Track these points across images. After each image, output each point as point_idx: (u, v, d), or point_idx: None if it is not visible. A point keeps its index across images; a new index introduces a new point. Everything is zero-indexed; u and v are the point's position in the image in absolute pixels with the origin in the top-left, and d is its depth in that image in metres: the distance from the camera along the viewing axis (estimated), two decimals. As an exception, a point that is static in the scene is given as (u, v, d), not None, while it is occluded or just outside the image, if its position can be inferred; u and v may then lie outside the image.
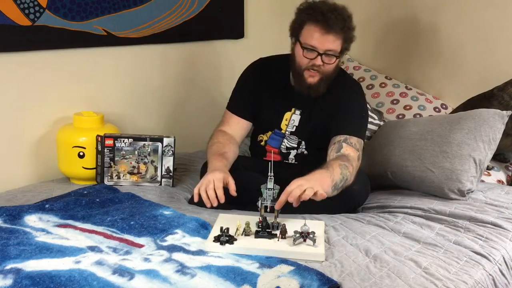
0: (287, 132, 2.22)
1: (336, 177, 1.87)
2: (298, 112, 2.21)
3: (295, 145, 2.21)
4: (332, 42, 2.00)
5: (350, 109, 2.13)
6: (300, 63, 2.06)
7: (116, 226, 1.79)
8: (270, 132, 2.25)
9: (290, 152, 2.23)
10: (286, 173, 2.12)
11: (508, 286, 1.71)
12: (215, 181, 1.85)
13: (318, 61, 2.02)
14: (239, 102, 2.25)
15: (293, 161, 2.23)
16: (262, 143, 2.27)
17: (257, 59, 2.30)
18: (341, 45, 2.03)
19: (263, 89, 2.23)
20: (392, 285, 1.49)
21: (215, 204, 1.84)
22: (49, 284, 1.40)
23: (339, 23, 1.98)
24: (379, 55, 3.22)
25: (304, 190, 1.70)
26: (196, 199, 1.88)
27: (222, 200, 1.84)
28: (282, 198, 1.72)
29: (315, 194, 1.71)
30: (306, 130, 2.20)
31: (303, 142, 2.21)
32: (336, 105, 2.13)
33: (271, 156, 1.98)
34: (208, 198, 1.84)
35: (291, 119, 2.21)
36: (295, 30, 2.08)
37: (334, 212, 2.00)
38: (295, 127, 2.21)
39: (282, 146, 2.23)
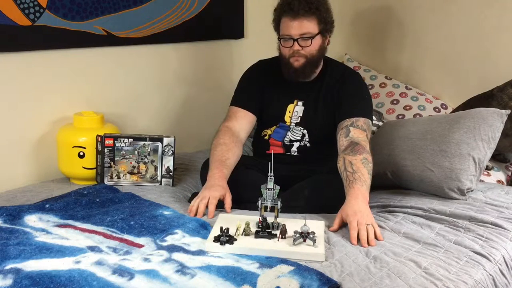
0: (292, 124, 2.25)
1: (368, 181, 1.92)
2: (300, 103, 2.26)
3: (299, 138, 2.25)
4: (302, 26, 2.11)
5: (352, 94, 2.21)
6: (284, 54, 2.18)
7: (116, 226, 1.79)
8: (274, 127, 2.29)
9: (293, 144, 2.26)
10: (287, 169, 2.13)
11: (508, 286, 1.70)
12: (211, 198, 1.92)
13: (296, 46, 2.13)
14: (245, 97, 2.30)
15: (296, 153, 2.25)
16: (266, 137, 2.30)
17: (256, 62, 2.38)
18: (317, 27, 2.13)
19: (265, 87, 2.29)
20: (392, 285, 1.49)
21: (199, 216, 1.89)
22: (49, 284, 1.40)
23: (303, 6, 2.09)
24: (379, 55, 3.22)
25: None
26: (192, 214, 1.91)
27: (210, 217, 1.89)
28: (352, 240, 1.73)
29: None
30: (311, 120, 2.24)
31: (306, 135, 2.24)
32: (338, 94, 2.21)
33: (273, 150, 2.00)
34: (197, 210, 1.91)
35: (295, 110, 2.26)
36: (276, 28, 2.21)
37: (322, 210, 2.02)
38: (299, 118, 2.25)
39: (286, 139, 2.26)
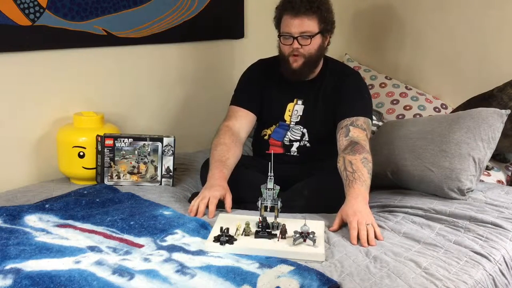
0: (291, 123, 2.26)
1: (368, 181, 1.92)
2: (300, 102, 2.26)
3: (298, 138, 2.25)
4: (303, 24, 2.11)
5: (352, 93, 2.21)
6: (283, 52, 2.18)
7: (116, 226, 1.79)
8: (274, 126, 2.29)
9: (293, 144, 2.26)
10: (287, 169, 2.14)
11: (508, 286, 1.70)
12: (211, 198, 1.92)
13: (295, 44, 2.13)
14: (245, 96, 2.30)
15: (295, 153, 2.25)
16: (266, 137, 2.30)
17: (256, 61, 2.38)
18: (318, 26, 2.13)
19: (265, 86, 2.30)
20: (392, 285, 1.49)
21: (199, 216, 1.89)
22: (49, 284, 1.40)
23: (305, 4, 2.10)
24: (379, 55, 3.22)
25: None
26: (192, 214, 1.91)
27: (211, 216, 1.89)
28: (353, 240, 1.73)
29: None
30: (311, 119, 2.24)
31: (306, 135, 2.25)
32: (338, 93, 2.21)
33: (273, 150, 2.01)
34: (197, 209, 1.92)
35: (294, 109, 2.26)
36: (277, 26, 2.21)
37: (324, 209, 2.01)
38: (299, 117, 2.25)
39: (285, 139, 2.26)
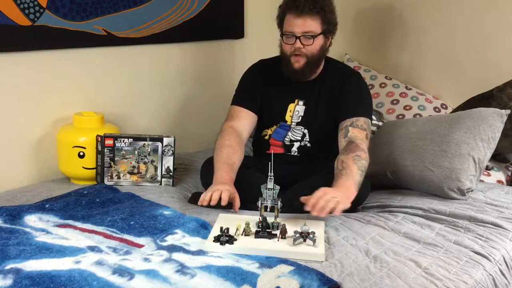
0: (292, 124, 2.25)
1: (356, 177, 1.91)
2: (301, 102, 2.26)
3: (299, 138, 2.25)
4: (306, 24, 2.10)
5: (353, 94, 2.21)
6: (285, 51, 2.17)
7: (116, 226, 1.79)
8: (275, 126, 2.29)
9: (293, 144, 2.26)
10: (287, 169, 2.14)
11: (508, 286, 1.71)
12: (223, 191, 1.92)
13: (298, 44, 2.12)
14: (246, 96, 2.29)
15: (296, 153, 2.25)
16: (267, 137, 2.30)
17: (257, 61, 2.37)
18: (320, 26, 2.13)
19: (266, 85, 2.29)
20: (392, 285, 1.49)
21: (212, 203, 1.89)
22: (49, 284, 1.40)
23: (309, 4, 2.09)
24: (379, 55, 3.22)
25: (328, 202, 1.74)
26: (206, 203, 1.91)
27: (224, 203, 1.89)
28: (309, 204, 1.73)
29: (334, 207, 1.74)
30: (312, 119, 2.24)
31: (307, 135, 2.25)
32: (339, 93, 2.21)
33: (273, 150, 2.01)
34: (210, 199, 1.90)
35: (295, 110, 2.26)
36: (279, 25, 2.20)
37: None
38: (300, 117, 2.25)
39: (286, 139, 2.26)
